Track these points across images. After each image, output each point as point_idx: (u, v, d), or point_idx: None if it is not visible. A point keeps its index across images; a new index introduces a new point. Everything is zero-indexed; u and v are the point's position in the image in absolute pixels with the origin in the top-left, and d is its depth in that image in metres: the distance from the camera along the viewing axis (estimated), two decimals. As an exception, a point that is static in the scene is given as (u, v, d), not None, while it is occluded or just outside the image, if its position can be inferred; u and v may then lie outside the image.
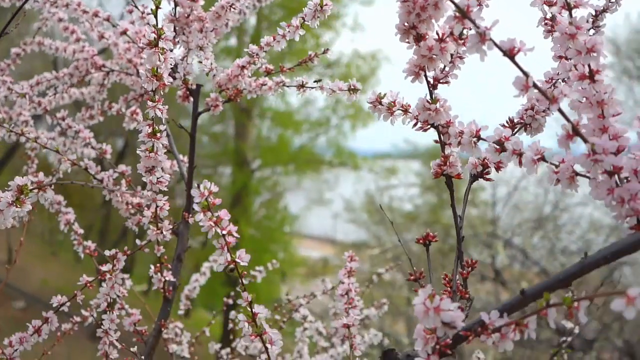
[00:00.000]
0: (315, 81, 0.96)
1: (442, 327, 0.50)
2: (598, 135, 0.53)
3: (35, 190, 0.66)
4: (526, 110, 0.67)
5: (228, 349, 1.36)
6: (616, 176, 0.52)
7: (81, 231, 1.09)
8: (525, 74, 0.50)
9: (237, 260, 0.62)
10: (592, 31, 0.70)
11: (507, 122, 0.68)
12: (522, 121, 0.67)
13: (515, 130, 0.68)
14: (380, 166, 10.93)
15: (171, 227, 0.90)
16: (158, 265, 0.95)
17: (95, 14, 1.08)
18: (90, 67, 1.17)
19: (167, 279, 0.96)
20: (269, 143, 11.64)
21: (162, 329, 0.98)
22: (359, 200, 10.62)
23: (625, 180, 0.51)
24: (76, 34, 1.19)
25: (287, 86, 0.96)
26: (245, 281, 0.65)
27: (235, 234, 0.62)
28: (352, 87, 0.81)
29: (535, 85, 0.50)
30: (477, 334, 0.52)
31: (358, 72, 9.84)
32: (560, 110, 0.50)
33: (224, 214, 0.62)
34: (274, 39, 0.89)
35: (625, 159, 0.52)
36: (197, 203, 0.60)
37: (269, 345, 0.63)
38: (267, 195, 11.71)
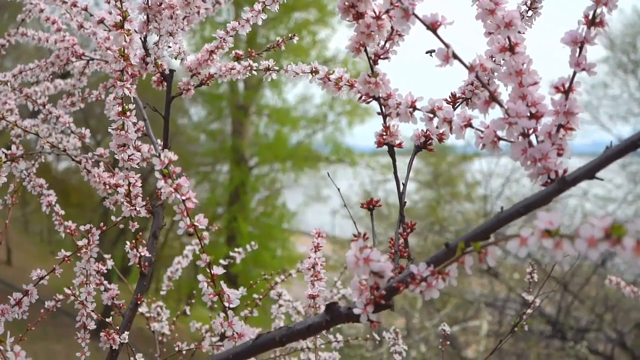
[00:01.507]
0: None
1: (372, 276, 0.55)
2: (519, 104, 0.58)
3: (8, 162, 0.71)
4: (467, 85, 0.72)
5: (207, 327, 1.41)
6: (534, 138, 0.57)
7: (62, 212, 1.14)
8: (446, 45, 0.55)
9: (195, 224, 0.67)
10: (530, 12, 0.75)
11: (449, 97, 0.73)
12: (463, 95, 0.72)
13: (457, 104, 0.72)
14: (377, 162, 10.98)
15: (144, 203, 0.95)
16: (134, 241, 1.00)
17: (74, 4, 1.13)
18: (70, 55, 1.22)
19: (142, 254, 1.01)
20: (266, 140, 11.69)
21: (139, 303, 1.03)
22: (355, 196, 10.65)
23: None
24: (57, 24, 1.23)
25: (255, 70, 1.01)
26: (204, 244, 0.70)
27: (195, 200, 0.67)
28: (314, 69, 0.86)
29: (454, 56, 0.54)
30: (407, 285, 0.57)
31: (355, 68, 9.87)
32: (478, 78, 0.55)
33: (184, 181, 0.66)
34: (239, 23, 0.94)
35: (542, 123, 0.57)
36: (157, 170, 0.65)
37: (227, 304, 0.69)
38: (265, 192, 11.76)
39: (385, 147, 0.72)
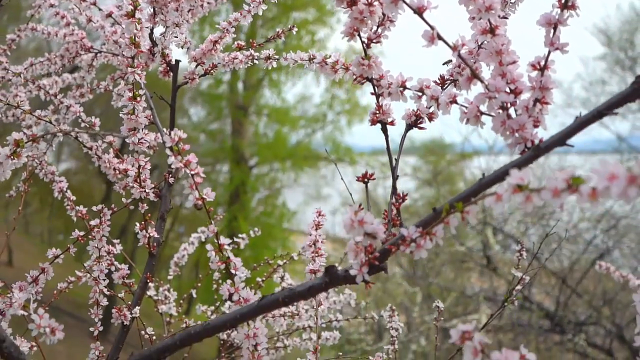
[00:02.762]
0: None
1: (366, 237, 0.61)
2: (501, 81, 0.64)
3: (30, 142, 0.77)
4: (454, 67, 0.77)
5: (212, 308, 1.46)
6: (513, 111, 0.63)
7: (73, 198, 1.20)
8: (432, 27, 0.60)
9: (204, 196, 0.73)
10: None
11: (438, 79, 0.78)
12: (451, 77, 0.78)
13: (446, 85, 0.78)
14: (377, 161, 11.02)
15: (153, 185, 1.00)
16: (143, 222, 1.05)
17: (83, -1, 1.19)
18: (79, 49, 1.27)
19: (151, 235, 1.06)
20: (266, 140, 11.74)
21: (148, 281, 1.08)
22: (355, 195, 10.67)
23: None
24: (66, 19, 1.29)
25: (256, 59, 1.07)
26: (214, 220, 0.76)
27: (202, 175, 0.72)
28: (311, 56, 0.92)
29: (439, 37, 0.60)
30: (398, 247, 0.62)
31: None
32: (460, 57, 0.61)
33: (192, 157, 0.72)
34: (241, 14, 1.00)
35: (521, 99, 0.63)
36: (168, 147, 0.70)
37: (233, 271, 0.74)
38: (265, 192, 11.81)
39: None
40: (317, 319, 1.14)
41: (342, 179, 1.10)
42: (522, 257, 1.16)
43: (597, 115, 0.55)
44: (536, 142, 0.60)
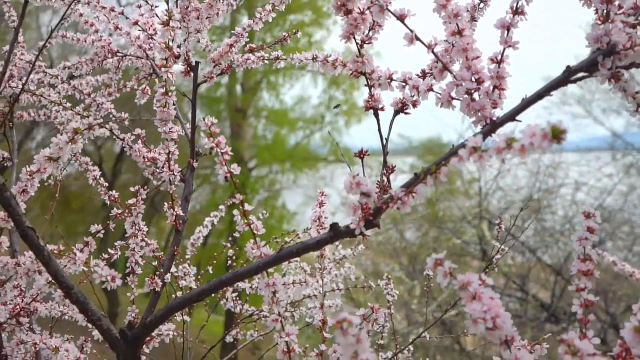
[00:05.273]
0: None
1: (362, 196, 0.77)
2: (466, 72, 0.80)
3: (87, 130, 0.93)
4: (432, 62, 0.94)
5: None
6: (476, 95, 0.80)
7: (106, 184, 1.36)
8: (411, 30, 0.77)
9: (231, 170, 0.89)
10: (481, 4, 0.97)
11: (420, 72, 0.95)
12: (430, 71, 0.94)
13: (427, 77, 0.95)
14: (376, 161, 11.18)
15: (180, 169, 1.17)
16: (170, 202, 1.22)
17: (112, 9, 1.35)
18: (107, 53, 1.44)
19: (178, 213, 1.23)
20: (265, 142, 11.90)
21: (175, 253, 1.25)
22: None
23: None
24: (95, 27, 1.45)
25: (266, 59, 1.24)
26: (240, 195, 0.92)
27: (230, 152, 0.89)
28: (314, 56, 1.08)
29: (417, 38, 0.77)
30: (388, 205, 0.79)
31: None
32: (434, 54, 0.78)
33: (222, 138, 0.89)
34: (254, 21, 1.17)
35: (483, 87, 0.80)
36: (202, 130, 0.87)
37: (255, 232, 0.91)
38: (265, 193, 11.97)
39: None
40: (322, 286, 1.30)
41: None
42: (500, 229, 1.33)
43: (537, 97, 0.72)
44: (494, 119, 0.77)
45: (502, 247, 1.30)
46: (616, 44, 0.69)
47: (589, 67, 0.70)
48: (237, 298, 1.76)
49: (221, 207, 1.86)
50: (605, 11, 0.70)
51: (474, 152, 0.64)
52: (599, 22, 0.70)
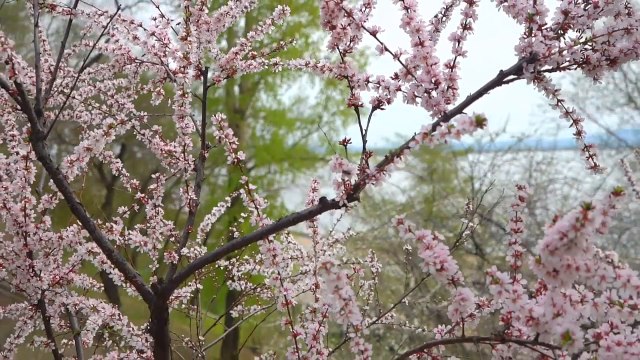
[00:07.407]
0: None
1: (344, 174, 0.98)
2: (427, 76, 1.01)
3: (119, 125, 1.14)
4: (401, 68, 1.14)
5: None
6: (434, 94, 1.00)
7: (128, 174, 1.57)
8: (381, 43, 0.97)
9: (238, 156, 1.10)
10: (444, 18, 1.18)
11: (393, 75, 1.16)
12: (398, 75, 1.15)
13: (398, 79, 1.15)
14: (373, 161, 11.37)
15: (193, 159, 1.37)
16: (185, 187, 1.42)
17: (131, 22, 1.56)
18: (126, 60, 1.64)
19: (191, 197, 1.43)
20: (263, 142, 12.10)
21: (189, 232, 1.45)
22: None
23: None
24: (115, 37, 1.66)
25: (267, 65, 1.44)
26: (244, 179, 1.13)
27: (236, 142, 1.09)
28: (307, 62, 1.29)
29: (386, 48, 0.97)
30: (365, 182, 0.99)
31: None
32: (399, 61, 0.98)
33: (230, 130, 1.09)
34: (256, 33, 1.38)
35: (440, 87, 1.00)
36: (214, 124, 1.08)
37: (258, 206, 1.11)
38: (263, 193, 12.16)
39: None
40: (315, 243, 1.49)
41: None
42: (469, 208, 1.53)
43: (478, 94, 0.93)
44: (447, 112, 0.98)
45: (472, 224, 1.50)
46: (537, 53, 0.90)
47: (517, 71, 0.91)
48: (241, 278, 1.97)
49: (227, 198, 2.07)
50: (529, 27, 0.91)
51: (426, 137, 0.85)
52: (525, 36, 0.91)
